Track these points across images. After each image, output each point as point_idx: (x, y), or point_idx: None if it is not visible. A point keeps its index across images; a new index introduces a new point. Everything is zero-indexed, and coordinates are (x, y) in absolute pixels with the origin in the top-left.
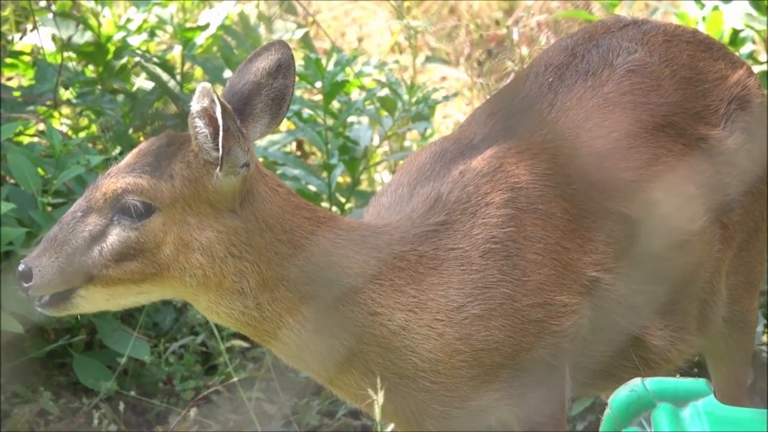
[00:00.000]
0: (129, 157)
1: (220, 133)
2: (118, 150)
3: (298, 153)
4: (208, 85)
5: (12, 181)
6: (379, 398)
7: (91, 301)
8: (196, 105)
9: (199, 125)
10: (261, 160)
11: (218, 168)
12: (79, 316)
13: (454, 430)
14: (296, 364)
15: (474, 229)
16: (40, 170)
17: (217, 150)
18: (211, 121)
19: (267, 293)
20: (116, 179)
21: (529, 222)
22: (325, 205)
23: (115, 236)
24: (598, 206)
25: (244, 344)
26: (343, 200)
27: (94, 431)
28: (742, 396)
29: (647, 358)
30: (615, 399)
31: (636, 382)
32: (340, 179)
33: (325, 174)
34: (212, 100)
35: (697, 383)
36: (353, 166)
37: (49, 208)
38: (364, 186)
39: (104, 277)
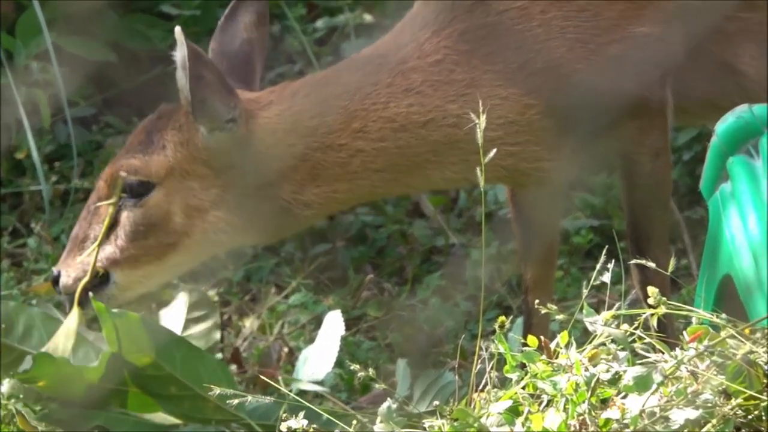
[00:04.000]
0: (128, 139)
1: (187, 79)
2: None
3: None
4: (177, 29)
5: None
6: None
7: (128, 286)
8: (177, 54)
9: (180, 76)
10: None
11: (194, 118)
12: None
13: (550, 176)
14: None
15: None
16: None
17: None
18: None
19: (314, 187)
20: (112, 165)
21: None
22: None
23: (124, 219)
24: None
25: None
26: None
27: None
28: None
29: (746, 87)
30: (721, 126)
31: (743, 109)
32: None
33: None
34: (181, 44)
35: None
36: None
37: None
38: None
39: (127, 260)
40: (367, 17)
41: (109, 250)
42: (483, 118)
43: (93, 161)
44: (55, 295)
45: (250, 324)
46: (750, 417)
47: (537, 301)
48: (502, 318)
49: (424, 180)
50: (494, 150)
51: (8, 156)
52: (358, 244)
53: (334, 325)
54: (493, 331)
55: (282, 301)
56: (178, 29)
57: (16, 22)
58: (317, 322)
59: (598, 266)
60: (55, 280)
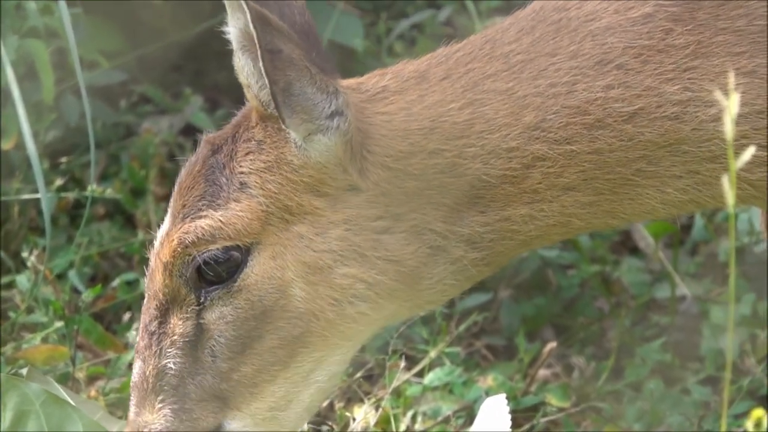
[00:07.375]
0: (171, 203)
1: (259, 55)
2: None
3: None
4: None
5: None
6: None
7: (259, 427)
8: (230, 28)
9: (242, 61)
10: None
11: (281, 120)
12: None
13: None
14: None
15: None
16: None
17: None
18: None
19: (476, 214)
20: (168, 242)
21: None
22: None
23: (219, 323)
24: None
25: None
26: None
27: None
28: None
29: None
30: None
31: None
32: None
33: None
34: (244, 11)
35: None
36: None
37: None
38: None
39: (239, 389)
40: None
41: (209, 382)
42: (734, 100)
43: (120, 156)
44: (58, 363)
45: (363, 415)
46: None
47: None
48: (757, 413)
49: (637, 204)
50: (746, 154)
51: None
52: (533, 294)
53: (494, 419)
54: None
55: (414, 380)
56: None
57: None
58: (468, 414)
59: None
60: None
